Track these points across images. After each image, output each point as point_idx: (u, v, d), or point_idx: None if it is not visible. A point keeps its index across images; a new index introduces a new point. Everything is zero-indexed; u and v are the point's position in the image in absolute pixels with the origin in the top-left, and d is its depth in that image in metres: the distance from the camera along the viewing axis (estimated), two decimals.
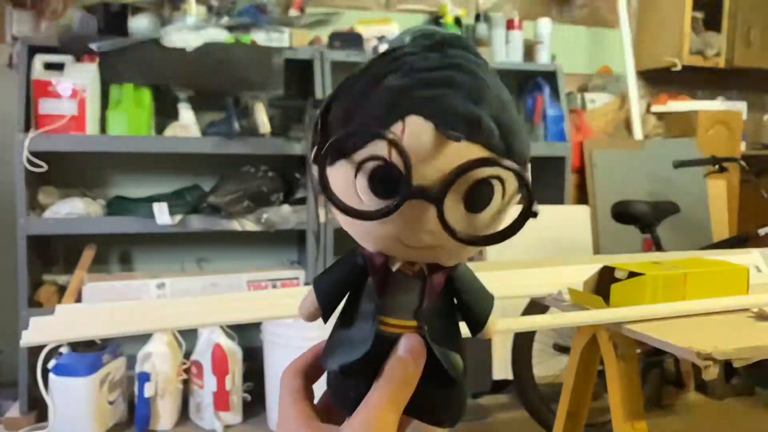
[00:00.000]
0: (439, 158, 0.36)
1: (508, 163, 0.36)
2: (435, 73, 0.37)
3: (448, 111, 0.36)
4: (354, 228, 0.40)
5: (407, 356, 0.40)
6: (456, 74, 0.37)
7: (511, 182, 0.38)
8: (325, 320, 0.43)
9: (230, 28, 2.60)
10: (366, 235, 0.39)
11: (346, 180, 0.38)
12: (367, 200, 0.37)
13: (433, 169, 0.36)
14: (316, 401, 0.44)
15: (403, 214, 0.36)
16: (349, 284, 0.42)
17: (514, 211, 0.39)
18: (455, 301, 0.42)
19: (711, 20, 3.49)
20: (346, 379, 0.41)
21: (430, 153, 0.35)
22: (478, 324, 0.42)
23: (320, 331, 2.18)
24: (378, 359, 0.40)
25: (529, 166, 0.40)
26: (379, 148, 0.36)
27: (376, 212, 0.37)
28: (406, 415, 0.41)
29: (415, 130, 0.36)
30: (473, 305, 0.42)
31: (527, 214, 0.37)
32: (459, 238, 0.37)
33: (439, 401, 0.42)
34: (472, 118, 0.36)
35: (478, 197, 0.37)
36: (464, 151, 0.36)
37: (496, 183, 0.37)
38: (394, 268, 0.40)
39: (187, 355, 2.51)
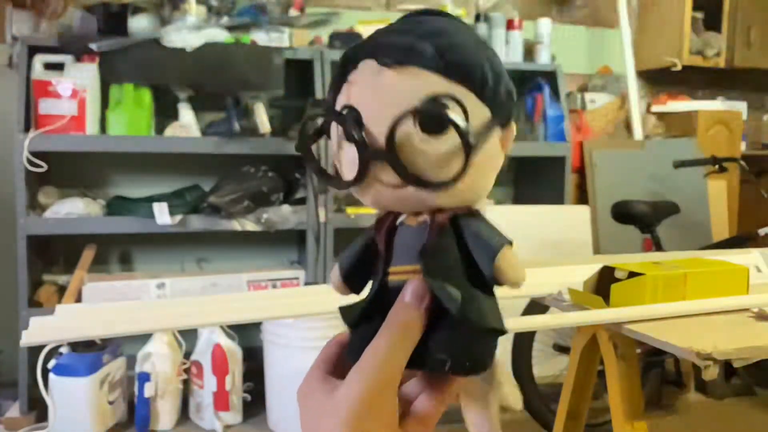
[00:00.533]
0: (381, 88, 0.38)
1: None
2: (394, 27, 0.40)
3: (387, 46, 0.39)
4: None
5: (408, 300, 0.40)
6: (412, 26, 0.40)
7: (478, 109, 0.39)
8: (356, 291, 0.45)
9: (230, 28, 2.60)
10: (365, 195, 0.41)
11: (336, 137, 0.41)
12: (349, 150, 0.40)
13: (383, 103, 0.38)
14: None
15: (370, 172, 0.39)
16: (366, 252, 0.43)
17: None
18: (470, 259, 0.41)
19: (711, 20, 3.49)
20: (358, 333, 0.42)
21: (375, 86, 0.39)
22: (488, 259, 0.40)
23: (321, 331, 2.18)
24: (386, 310, 0.40)
25: (501, 88, 0.40)
26: (343, 96, 0.40)
27: (346, 183, 0.40)
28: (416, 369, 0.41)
29: (362, 71, 0.39)
30: (478, 240, 0.40)
31: (463, 135, 0.37)
32: (408, 181, 0.38)
33: (436, 341, 0.40)
34: (404, 45, 0.38)
35: (431, 117, 0.38)
36: (401, 75, 0.38)
37: (450, 102, 0.38)
38: (399, 221, 0.42)
39: (187, 355, 2.51)
